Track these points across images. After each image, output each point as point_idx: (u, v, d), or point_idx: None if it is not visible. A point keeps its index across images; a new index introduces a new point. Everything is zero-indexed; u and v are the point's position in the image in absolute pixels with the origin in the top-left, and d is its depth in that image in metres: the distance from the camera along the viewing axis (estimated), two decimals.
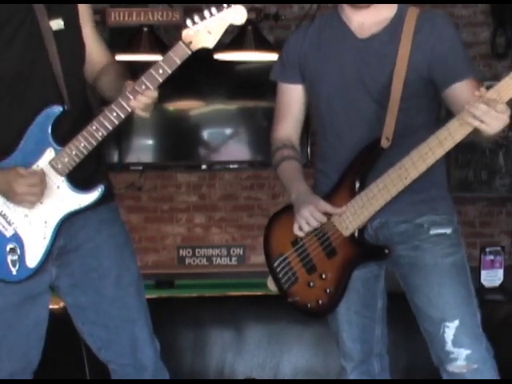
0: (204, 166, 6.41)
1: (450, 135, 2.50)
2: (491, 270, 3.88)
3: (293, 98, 2.83)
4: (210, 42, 2.46)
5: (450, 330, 2.62)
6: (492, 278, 3.87)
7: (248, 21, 5.30)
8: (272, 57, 5.05)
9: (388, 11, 2.69)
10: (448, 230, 2.70)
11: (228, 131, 6.45)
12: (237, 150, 6.44)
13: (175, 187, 6.39)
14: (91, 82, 2.70)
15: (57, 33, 2.54)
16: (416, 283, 2.68)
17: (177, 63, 2.44)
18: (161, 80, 2.45)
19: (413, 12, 2.68)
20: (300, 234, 2.71)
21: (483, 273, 3.85)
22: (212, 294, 3.95)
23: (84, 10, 2.64)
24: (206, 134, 6.41)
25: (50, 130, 2.50)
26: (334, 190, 2.71)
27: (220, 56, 5.17)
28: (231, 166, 6.43)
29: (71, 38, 2.59)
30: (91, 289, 2.62)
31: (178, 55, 2.43)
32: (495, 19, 6.12)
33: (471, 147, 5.89)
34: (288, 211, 2.75)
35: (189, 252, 6.38)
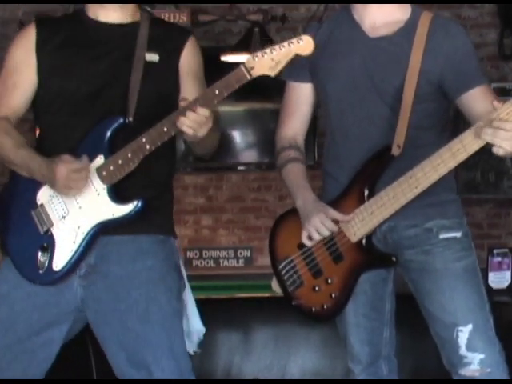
0: (211, 168, 6.41)
1: (464, 147, 2.49)
2: (499, 271, 3.88)
3: (301, 96, 2.81)
4: (272, 70, 2.41)
5: (464, 334, 2.60)
6: (500, 279, 3.87)
7: (254, 22, 5.35)
8: None
9: (401, 13, 2.68)
10: (458, 234, 2.68)
11: (235, 133, 6.45)
12: (244, 152, 6.44)
13: (182, 189, 6.39)
14: None
15: (148, 63, 2.59)
16: (427, 288, 2.67)
17: (234, 87, 2.42)
18: (215, 101, 2.43)
19: (426, 16, 2.66)
20: (309, 243, 2.69)
21: (491, 274, 3.85)
22: (219, 295, 3.95)
23: (188, 64, 2.66)
24: None
25: (106, 138, 2.52)
26: (342, 195, 2.69)
27: (227, 58, 5.18)
28: (238, 168, 6.44)
29: (161, 71, 2.62)
30: (116, 320, 2.56)
31: (236, 79, 2.42)
32: (502, 20, 6.11)
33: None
34: (295, 213, 2.74)
35: (196, 254, 6.38)
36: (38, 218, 2.57)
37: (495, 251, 3.92)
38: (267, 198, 6.36)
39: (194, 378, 2.63)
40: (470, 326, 2.60)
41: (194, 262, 6.37)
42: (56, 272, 2.53)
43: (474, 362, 2.60)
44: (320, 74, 2.76)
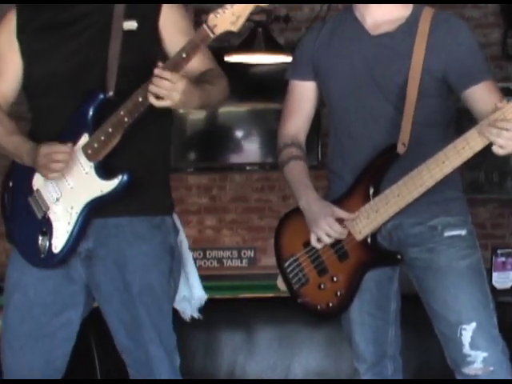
0: (214, 168, 6.41)
1: (468, 145, 2.49)
2: (503, 271, 3.88)
3: (304, 94, 2.81)
4: (234, 25, 2.39)
5: (467, 332, 2.60)
6: (503, 279, 3.87)
7: (258, 23, 5.35)
8: (282, 59, 5.05)
9: (403, 10, 2.68)
10: (462, 232, 2.68)
11: (239, 133, 6.45)
12: (247, 152, 6.45)
13: (186, 189, 6.40)
14: None
15: (127, 32, 2.57)
16: (431, 286, 2.67)
17: (200, 47, 2.42)
18: (184, 65, 2.42)
19: (428, 12, 2.66)
20: (318, 246, 2.70)
21: (495, 274, 3.85)
22: (223, 296, 3.95)
23: (170, 22, 2.62)
24: (216, 136, 6.41)
25: (89, 116, 2.52)
26: (347, 194, 2.69)
27: (230, 58, 5.18)
28: (242, 168, 6.44)
29: (141, 38, 2.59)
30: (115, 300, 2.61)
31: (200, 38, 2.41)
32: (505, 20, 6.10)
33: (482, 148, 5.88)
34: (300, 212, 2.74)
35: (199, 254, 6.38)
36: (35, 203, 2.60)
37: (499, 251, 3.92)
38: (271, 198, 6.36)
39: (177, 355, 2.68)
40: (473, 324, 2.60)
41: (198, 262, 6.32)
42: (56, 254, 2.57)
43: (477, 361, 2.61)
44: (323, 73, 2.76)
